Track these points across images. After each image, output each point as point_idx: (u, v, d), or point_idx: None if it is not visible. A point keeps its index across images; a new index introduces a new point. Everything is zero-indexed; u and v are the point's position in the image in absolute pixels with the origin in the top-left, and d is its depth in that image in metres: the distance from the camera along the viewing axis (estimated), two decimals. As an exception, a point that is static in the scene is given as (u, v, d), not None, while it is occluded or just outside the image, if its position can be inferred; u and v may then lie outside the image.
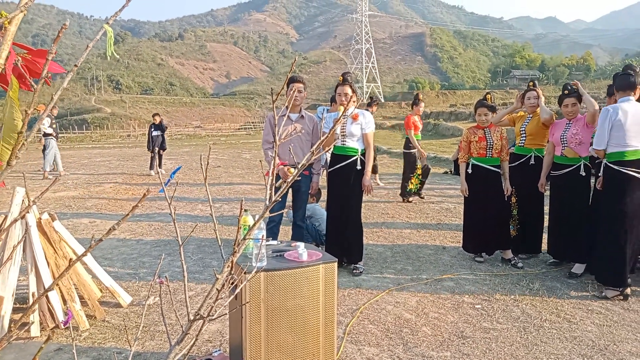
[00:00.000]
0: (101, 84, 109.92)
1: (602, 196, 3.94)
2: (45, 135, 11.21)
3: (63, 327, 3.18)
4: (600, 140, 3.75)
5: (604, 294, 3.82)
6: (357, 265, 4.39)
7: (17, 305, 3.42)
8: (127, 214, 0.76)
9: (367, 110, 10.38)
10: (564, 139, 4.32)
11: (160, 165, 11.81)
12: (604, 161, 3.81)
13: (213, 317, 1.01)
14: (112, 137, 33.92)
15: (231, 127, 49.04)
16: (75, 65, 0.67)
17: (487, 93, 4.92)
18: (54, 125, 11.51)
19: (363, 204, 6.68)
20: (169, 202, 1.09)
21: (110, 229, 0.72)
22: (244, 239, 1.00)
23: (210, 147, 1.08)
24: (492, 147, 4.57)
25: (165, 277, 1.26)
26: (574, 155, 4.28)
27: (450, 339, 3.12)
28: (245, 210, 2.60)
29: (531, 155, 4.73)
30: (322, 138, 1.17)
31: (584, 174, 4.25)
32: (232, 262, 0.86)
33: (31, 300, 3.15)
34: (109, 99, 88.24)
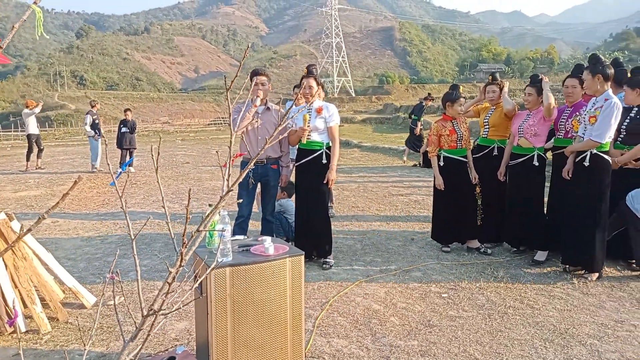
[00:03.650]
0: (64, 79, 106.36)
1: (582, 184, 3.97)
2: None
3: (9, 327, 3.07)
4: (608, 134, 3.79)
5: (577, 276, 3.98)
6: (327, 260, 4.40)
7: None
8: (57, 202, 0.73)
9: (423, 103, 11.34)
10: (521, 130, 4.45)
11: (131, 163, 11.55)
12: (594, 151, 3.85)
13: (167, 312, 0.99)
14: (77, 135, 32.88)
15: (200, 122, 48.28)
16: (0, 47, 0.63)
17: (456, 85, 5.02)
18: (96, 121, 11.50)
19: (334, 198, 6.73)
20: (120, 195, 1.06)
21: (38, 219, 0.69)
22: (197, 231, 0.98)
23: (160, 137, 1.06)
24: (462, 139, 4.67)
25: (117, 272, 1.22)
26: (528, 145, 4.41)
27: (418, 328, 3.17)
28: (210, 205, 2.56)
29: (494, 147, 4.84)
30: (276, 130, 1.16)
31: (537, 164, 4.38)
32: (182, 254, 0.85)
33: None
34: (73, 95, 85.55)
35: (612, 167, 3.97)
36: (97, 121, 11.48)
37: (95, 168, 11.42)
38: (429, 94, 12.26)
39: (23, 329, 3.14)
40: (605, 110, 3.77)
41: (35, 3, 0.72)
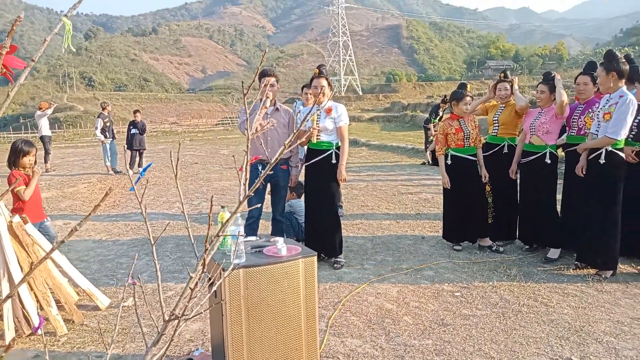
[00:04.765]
0: (73, 81, 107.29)
1: (596, 182, 3.92)
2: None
3: (35, 333, 3.11)
4: (623, 131, 3.74)
5: (599, 276, 3.95)
6: (338, 259, 4.40)
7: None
8: (89, 214, 0.74)
9: (439, 105, 10.82)
10: (533, 127, 4.41)
11: (140, 164, 11.48)
12: (609, 148, 3.81)
13: (188, 317, 1.00)
14: (86, 136, 33.13)
15: (208, 122, 48.47)
16: (32, 60, 0.64)
17: (464, 83, 4.98)
18: (107, 124, 11.26)
19: (342, 197, 6.73)
20: (140, 200, 1.07)
21: (71, 231, 0.69)
22: (217, 235, 0.99)
23: (180, 144, 1.06)
24: (469, 137, 4.64)
25: (138, 277, 1.22)
26: (540, 143, 4.38)
27: (431, 327, 3.16)
28: (223, 207, 2.57)
29: (504, 144, 4.81)
30: (294, 132, 1.16)
31: (549, 161, 4.34)
32: (204, 260, 0.85)
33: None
34: (82, 96, 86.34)
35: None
36: (108, 124, 11.22)
37: (114, 169, 11.31)
38: (445, 96, 11.48)
39: (35, 332, 3.18)
40: (621, 107, 3.71)
41: (66, 16, 0.73)
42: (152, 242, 1.06)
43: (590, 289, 3.75)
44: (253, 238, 2.92)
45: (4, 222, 3.26)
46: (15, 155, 3.93)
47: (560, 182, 4.49)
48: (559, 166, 4.52)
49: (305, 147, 4.49)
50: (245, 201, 0.99)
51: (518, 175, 4.75)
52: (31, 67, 0.65)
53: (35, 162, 4.05)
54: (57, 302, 3.40)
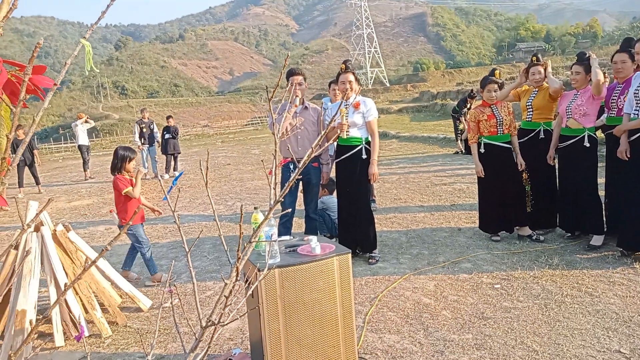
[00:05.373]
0: (107, 90, 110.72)
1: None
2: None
3: (77, 341, 3.22)
4: None
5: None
6: (373, 254, 4.38)
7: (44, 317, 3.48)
8: (119, 234, 0.75)
9: (467, 101, 10.71)
10: (569, 110, 4.25)
11: (175, 168, 11.73)
12: None
13: (225, 323, 1.00)
14: (122, 143, 34.22)
15: (238, 123, 49.08)
16: (55, 84, 0.65)
17: (494, 69, 4.85)
18: (144, 130, 11.33)
19: (375, 191, 6.68)
20: (173, 209, 1.08)
21: (102, 250, 0.71)
22: (250, 242, 0.99)
23: (208, 153, 1.07)
24: (502, 124, 4.52)
25: (174, 285, 1.25)
26: (577, 126, 4.21)
27: (471, 321, 3.10)
28: (255, 208, 2.59)
29: (540, 130, 4.65)
30: (322, 132, 1.15)
31: (588, 144, 4.17)
32: (237, 268, 0.85)
33: (52, 311, 3.19)
34: (116, 105, 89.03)
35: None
36: (145, 130, 11.30)
37: (156, 174, 11.34)
38: (472, 90, 11.21)
39: (86, 334, 3.30)
40: None
41: (84, 38, 0.74)
42: (187, 250, 1.08)
43: (638, 277, 3.59)
44: (287, 237, 2.94)
45: (48, 231, 3.40)
46: (122, 161, 4.12)
47: (601, 165, 4.31)
48: (599, 149, 4.34)
49: (335, 143, 4.47)
50: (278, 204, 0.99)
51: (556, 161, 4.59)
52: (54, 90, 0.67)
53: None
54: (101, 305, 3.52)
